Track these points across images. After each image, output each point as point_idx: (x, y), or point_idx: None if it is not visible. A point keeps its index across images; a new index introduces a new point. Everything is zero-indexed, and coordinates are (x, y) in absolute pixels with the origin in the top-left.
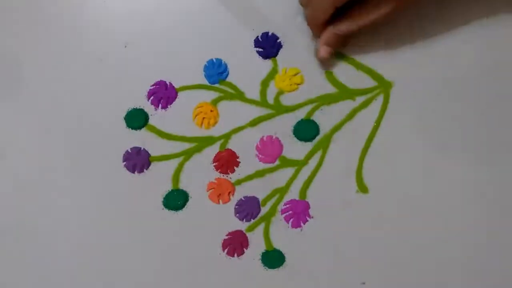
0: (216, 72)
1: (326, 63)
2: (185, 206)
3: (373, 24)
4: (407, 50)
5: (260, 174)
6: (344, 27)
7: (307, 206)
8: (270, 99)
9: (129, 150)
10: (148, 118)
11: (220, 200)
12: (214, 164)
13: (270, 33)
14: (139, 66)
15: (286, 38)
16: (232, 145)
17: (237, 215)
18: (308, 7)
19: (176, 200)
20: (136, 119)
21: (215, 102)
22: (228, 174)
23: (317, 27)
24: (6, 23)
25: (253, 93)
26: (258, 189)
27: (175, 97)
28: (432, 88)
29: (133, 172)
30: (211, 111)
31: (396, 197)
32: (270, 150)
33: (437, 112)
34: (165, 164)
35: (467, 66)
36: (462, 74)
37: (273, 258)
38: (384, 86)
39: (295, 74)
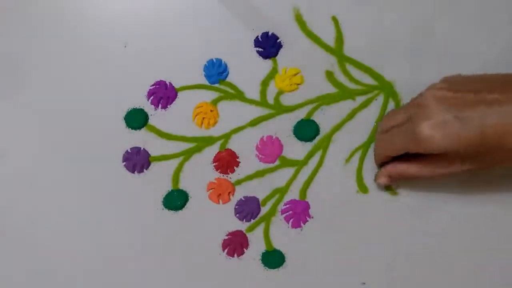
0: (216, 72)
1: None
2: (185, 206)
3: (440, 177)
4: (408, 50)
5: (260, 174)
6: (410, 170)
7: (307, 206)
8: (270, 99)
9: (129, 150)
10: (148, 118)
11: (220, 200)
12: (214, 164)
13: (270, 33)
14: (139, 66)
15: (286, 38)
16: (232, 145)
17: (237, 215)
18: (382, 137)
19: (176, 200)
20: (136, 119)
21: (215, 102)
22: (228, 174)
23: (381, 159)
24: (6, 23)
25: (253, 93)
26: (258, 189)
27: (175, 97)
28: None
29: (133, 172)
30: (211, 111)
31: (396, 197)
32: (270, 150)
33: None
34: (165, 164)
35: (468, 66)
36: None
37: (273, 258)
38: (384, 86)
39: (295, 74)
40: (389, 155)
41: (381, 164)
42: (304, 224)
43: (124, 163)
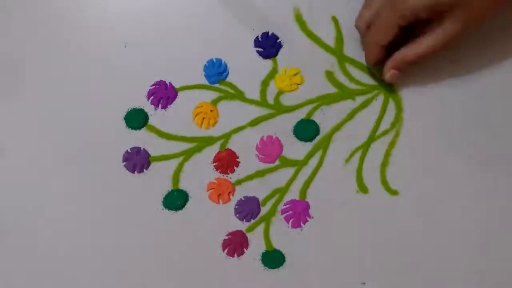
0: (216, 72)
1: (392, 83)
2: (185, 206)
3: (440, 47)
4: None
5: (260, 174)
6: (411, 52)
7: (307, 206)
8: (270, 99)
9: (129, 150)
10: (148, 118)
11: (220, 200)
12: (214, 164)
13: (270, 33)
14: (139, 66)
15: (286, 38)
16: (232, 145)
17: (237, 215)
18: (369, 30)
19: (176, 200)
20: (136, 119)
21: (215, 102)
22: (228, 174)
23: (378, 51)
24: (7, 23)
25: (253, 93)
26: (258, 189)
27: (175, 97)
28: (433, 87)
29: (133, 172)
30: (211, 111)
31: (396, 197)
32: (270, 150)
33: (437, 111)
34: (165, 164)
35: (468, 66)
36: (463, 73)
37: (273, 258)
38: (384, 86)
39: (295, 74)
40: (381, 43)
41: (375, 64)
42: (304, 224)
43: (124, 163)
